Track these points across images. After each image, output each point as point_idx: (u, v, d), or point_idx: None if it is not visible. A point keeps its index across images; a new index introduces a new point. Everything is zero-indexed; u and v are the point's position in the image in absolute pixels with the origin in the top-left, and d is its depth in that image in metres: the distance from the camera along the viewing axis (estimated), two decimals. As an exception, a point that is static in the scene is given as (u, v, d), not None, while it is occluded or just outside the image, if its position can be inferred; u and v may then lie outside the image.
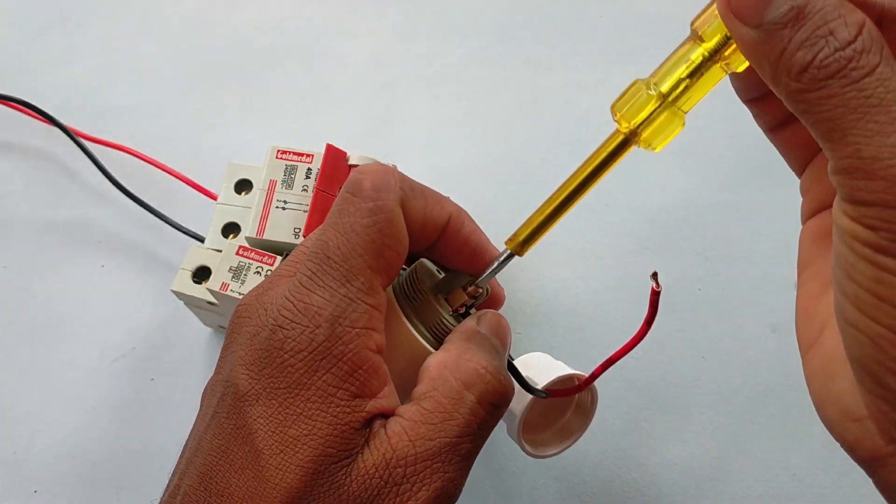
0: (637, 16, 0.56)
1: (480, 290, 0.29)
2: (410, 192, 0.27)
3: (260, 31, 0.57)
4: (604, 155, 0.26)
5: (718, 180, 0.50)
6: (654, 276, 0.28)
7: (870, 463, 0.23)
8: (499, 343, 0.28)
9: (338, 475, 0.24)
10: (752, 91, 0.27)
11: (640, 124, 0.25)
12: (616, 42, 0.56)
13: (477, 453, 0.27)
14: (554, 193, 0.28)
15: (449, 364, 0.27)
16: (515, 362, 0.31)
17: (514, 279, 0.48)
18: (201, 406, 0.27)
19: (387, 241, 0.26)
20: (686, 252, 0.48)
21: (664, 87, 0.25)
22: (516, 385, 0.34)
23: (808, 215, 0.28)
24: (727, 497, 0.42)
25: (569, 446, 0.37)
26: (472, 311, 0.30)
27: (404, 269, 0.30)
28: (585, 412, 0.38)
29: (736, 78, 0.27)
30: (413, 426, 0.25)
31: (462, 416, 0.26)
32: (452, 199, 0.47)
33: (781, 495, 0.42)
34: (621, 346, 0.31)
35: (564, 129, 0.52)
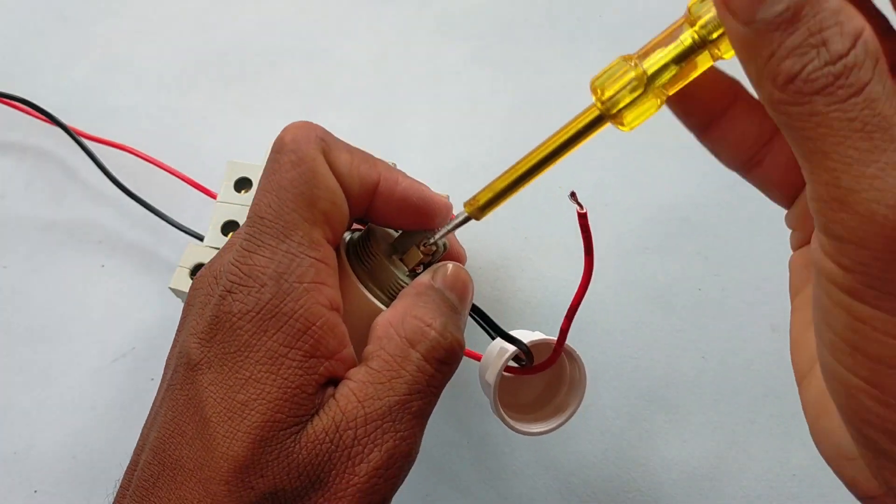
0: (637, 16, 0.56)
1: (434, 248, 0.29)
2: (334, 145, 0.27)
3: (260, 30, 0.57)
4: (576, 129, 0.26)
5: (718, 180, 0.50)
6: (573, 196, 0.28)
7: (868, 502, 0.22)
8: (455, 297, 0.28)
9: (286, 442, 0.23)
10: (707, 120, 0.26)
11: (613, 97, 0.24)
12: (616, 42, 0.56)
13: (430, 411, 0.26)
14: (520, 161, 0.27)
15: (394, 321, 0.26)
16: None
17: (514, 279, 0.48)
18: (161, 381, 0.27)
19: (316, 191, 0.25)
20: (686, 252, 0.48)
21: (647, 65, 0.24)
22: (490, 356, 0.33)
23: (797, 245, 0.28)
24: (727, 497, 0.42)
25: (561, 424, 0.36)
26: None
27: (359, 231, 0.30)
28: (575, 386, 0.37)
29: (684, 111, 0.26)
30: (361, 387, 0.24)
31: (409, 374, 0.25)
32: (452, 198, 0.47)
33: (781, 495, 0.42)
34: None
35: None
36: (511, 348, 0.32)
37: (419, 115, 0.54)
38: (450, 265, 0.28)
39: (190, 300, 0.27)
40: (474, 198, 0.28)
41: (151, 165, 0.48)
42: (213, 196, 0.45)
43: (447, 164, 0.52)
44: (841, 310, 0.19)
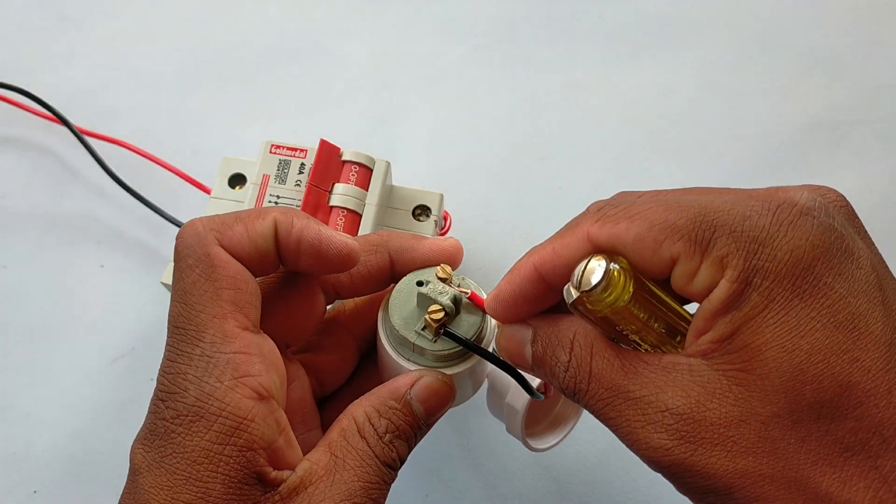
0: (637, 16, 0.56)
1: (442, 311, 0.29)
2: (225, 226, 0.26)
3: (260, 30, 0.57)
4: None
5: (718, 180, 0.50)
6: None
7: None
8: (423, 410, 0.28)
9: None
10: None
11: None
12: (616, 42, 0.56)
13: (382, 495, 0.27)
14: None
15: (358, 417, 0.27)
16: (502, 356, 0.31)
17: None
18: None
19: (219, 283, 0.25)
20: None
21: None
22: (513, 385, 0.33)
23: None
24: (727, 497, 0.42)
25: (567, 434, 0.37)
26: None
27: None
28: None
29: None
30: (321, 473, 0.25)
31: (360, 469, 0.26)
32: (452, 198, 0.47)
33: (781, 495, 0.42)
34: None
35: (564, 129, 0.52)
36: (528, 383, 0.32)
37: (419, 115, 0.54)
38: (433, 378, 0.28)
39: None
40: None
41: (150, 162, 0.48)
42: (207, 191, 0.45)
43: (447, 164, 0.52)
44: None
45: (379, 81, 0.55)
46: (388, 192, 0.41)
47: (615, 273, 0.24)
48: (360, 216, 0.38)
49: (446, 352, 0.29)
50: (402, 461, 0.27)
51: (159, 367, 0.26)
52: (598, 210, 0.26)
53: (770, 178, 0.50)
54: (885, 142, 0.52)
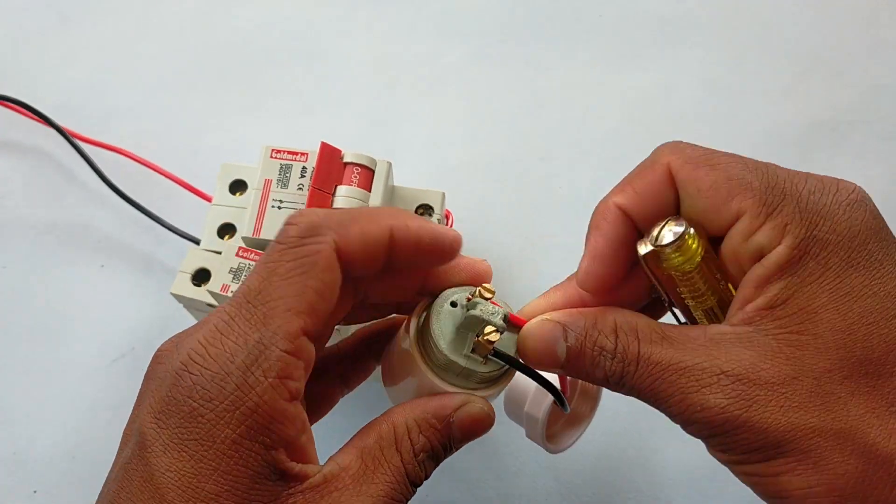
0: (637, 16, 0.56)
1: (494, 331, 0.28)
2: (339, 226, 0.26)
3: (260, 31, 0.57)
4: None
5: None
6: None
7: None
8: (459, 435, 0.28)
9: None
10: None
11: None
12: (616, 42, 0.56)
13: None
14: None
15: (398, 427, 0.27)
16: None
17: (514, 279, 0.48)
18: (116, 455, 0.26)
19: (310, 284, 0.25)
20: (686, 252, 0.48)
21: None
22: (533, 391, 0.33)
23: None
24: (727, 497, 0.42)
25: (582, 433, 0.38)
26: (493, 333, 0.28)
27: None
28: (592, 398, 0.38)
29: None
30: (349, 476, 0.25)
31: (388, 477, 0.26)
32: (452, 198, 0.47)
33: (781, 495, 0.42)
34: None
35: (564, 129, 0.52)
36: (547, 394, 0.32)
37: (419, 115, 0.54)
38: (479, 407, 0.28)
39: (150, 372, 0.26)
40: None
41: (148, 168, 0.48)
42: (208, 199, 0.45)
43: (447, 164, 0.52)
44: (739, 475, 0.27)
45: (379, 82, 0.55)
46: (391, 193, 0.41)
47: (691, 235, 0.26)
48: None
49: (494, 374, 0.28)
50: (426, 480, 0.27)
51: (194, 334, 0.25)
52: (677, 147, 0.28)
53: (770, 179, 0.50)
54: (885, 142, 0.52)
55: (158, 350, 0.27)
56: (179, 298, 0.40)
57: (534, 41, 0.56)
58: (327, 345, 0.31)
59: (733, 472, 0.26)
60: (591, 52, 0.55)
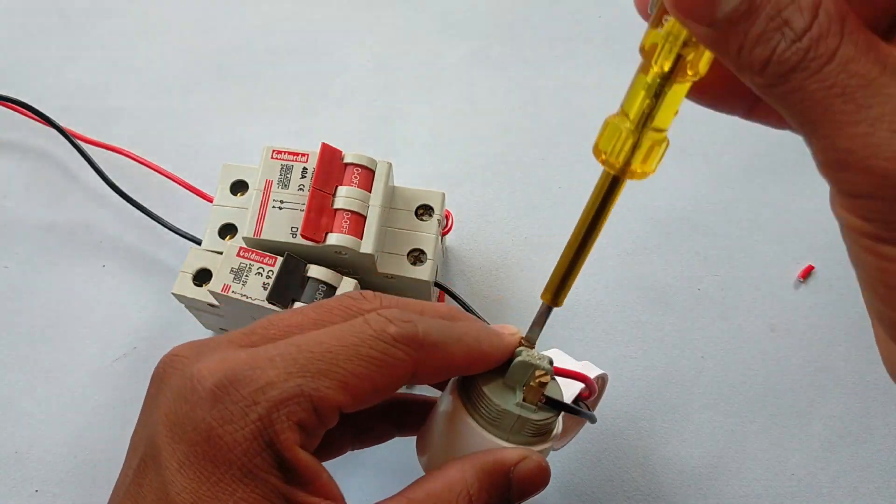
0: (637, 16, 0.56)
1: (544, 373, 0.28)
2: (433, 350, 0.25)
3: (260, 31, 0.57)
4: (600, 199, 0.26)
5: (718, 180, 0.50)
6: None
7: None
8: (516, 494, 0.26)
9: None
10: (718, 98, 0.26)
11: (627, 161, 0.25)
12: (616, 42, 0.56)
13: None
14: (568, 242, 0.27)
15: (456, 485, 0.25)
16: None
17: (514, 279, 0.48)
18: (125, 459, 0.25)
19: (376, 377, 0.24)
20: (686, 252, 0.48)
21: (633, 117, 0.24)
22: None
23: None
24: (726, 496, 0.42)
25: (578, 431, 0.38)
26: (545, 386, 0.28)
27: None
28: (595, 397, 0.38)
29: (727, 107, 0.26)
30: None
31: None
32: (452, 198, 0.47)
33: (780, 495, 0.42)
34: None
35: (564, 130, 0.53)
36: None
37: (419, 115, 0.54)
38: (539, 460, 0.27)
39: (163, 376, 0.25)
40: (545, 287, 0.28)
41: (149, 169, 0.48)
42: (208, 199, 0.45)
43: (447, 164, 0.52)
44: (868, 254, 0.20)
45: (379, 82, 0.55)
46: (391, 193, 0.41)
47: None
48: (365, 218, 0.38)
49: (546, 422, 0.28)
50: None
51: (218, 347, 0.24)
52: None
53: (770, 178, 0.50)
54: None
55: (172, 354, 0.26)
56: (181, 298, 0.40)
57: (534, 41, 0.56)
58: None
59: (861, 248, 0.21)
60: (591, 52, 0.55)
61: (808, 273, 0.47)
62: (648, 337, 0.46)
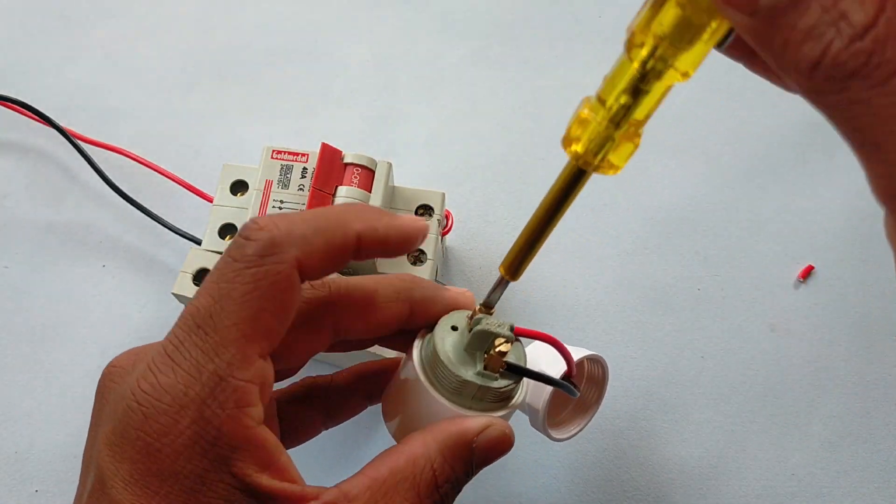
0: (637, 16, 0.56)
1: (504, 340, 0.27)
2: (304, 241, 0.23)
3: (260, 32, 0.57)
4: (564, 189, 0.25)
5: (718, 180, 0.50)
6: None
7: None
8: (480, 459, 0.26)
9: None
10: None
11: (595, 153, 0.24)
12: (615, 42, 0.55)
13: None
14: (528, 223, 0.27)
15: (406, 471, 0.24)
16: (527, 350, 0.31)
17: (513, 279, 0.48)
18: (79, 480, 0.24)
19: (265, 304, 0.23)
20: (686, 252, 0.48)
21: (610, 107, 0.23)
22: (531, 383, 0.33)
23: None
24: (726, 496, 0.42)
25: (589, 421, 0.38)
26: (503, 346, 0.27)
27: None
28: (598, 384, 0.38)
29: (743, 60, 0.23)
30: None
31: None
32: (452, 198, 0.47)
33: (780, 494, 0.42)
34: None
35: (564, 130, 0.52)
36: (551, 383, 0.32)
37: (419, 115, 0.54)
38: (502, 427, 0.26)
39: (103, 392, 0.24)
40: (504, 261, 0.28)
41: (149, 169, 0.49)
42: (209, 199, 0.45)
43: (446, 164, 0.52)
44: None
45: (379, 82, 0.55)
46: (391, 193, 0.41)
47: None
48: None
49: (507, 389, 0.27)
50: None
51: (147, 356, 0.23)
52: None
53: (770, 178, 0.50)
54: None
55: (113, 364, 0.25)
56: (181, 298, 0.41)
57: (534, 41, 0.56)
58: (316, 374, 0.30)
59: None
60: (591, 52, 0.55)
61: (808, 273, 0.47)
62: (648, 337, 0.46)
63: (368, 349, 0.31)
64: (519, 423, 0.38)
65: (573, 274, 0.48)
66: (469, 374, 0.27)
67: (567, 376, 0.29)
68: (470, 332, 0.27)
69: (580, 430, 0.38)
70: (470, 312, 0.28)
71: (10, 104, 0.51)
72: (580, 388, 0.38)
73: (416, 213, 0.41)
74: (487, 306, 0.28)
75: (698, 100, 0.53)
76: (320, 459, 0.43)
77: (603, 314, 0.46)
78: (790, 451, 0.43)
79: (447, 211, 0.44)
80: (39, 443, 0.44)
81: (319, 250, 0.24)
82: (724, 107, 0.54)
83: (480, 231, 0.50)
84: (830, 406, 0.44)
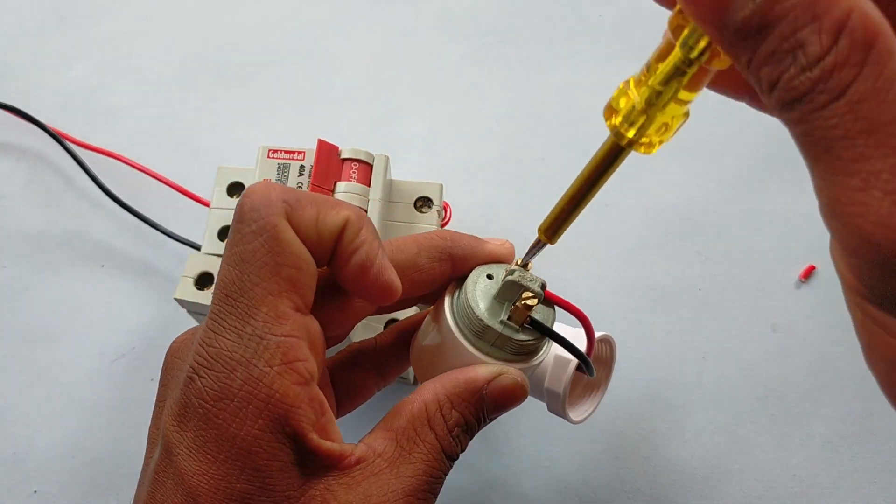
0: (637, 16, 0.56)
1: (532, 295, 0.28)
2: (297, 202, 0.25)
3: (259, 32, 0.57)
4: (603, 163, 0.26)
5: (718, 180, 0.50)
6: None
7: None
8: (491, 406, 0.27)
9: None
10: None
11: (637, 131, 0.25)
12: (616, 42, 0.56)
13: (437, 487, 0.26)
14: (567, 191, 0.28)
15: (430, 405, 0.26)
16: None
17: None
18: (145, 454, 0.26)
19: (280, 258, 0.24)
20: (686, 252, 0.48)
21: (650, 85, 0.24)
22: (551, 367, 0.34)
23: None
24: (727, 497, 0.42)
25: (599, 402, 0.38)
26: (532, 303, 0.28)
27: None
28: (607, 364, 0.38)
29: (730, 92, 0.26)
30: (383, 469, 0.25)
31: (421, 460, 0.25)
32: (452, 198, 0.47)
33: (781, 495, 0.42)
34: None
35: (564, 129, 0.52)
36: (570, 357, 0.32)
37: (418, 115, 0.54)
38: (514, 376, 0.27)
39: (167, 371, 0.26)
40: (544, 223, 0.29)
41: (144, 174, 0.48)
42: (205, 203, 0.45)
43: (446, 164, 0.52)
44: (855, 307, 0.19)
45: (379, 82, 0.55)
46: (390, 187, 0.41)
47: None
48: (366, 212, 0.38)
49: (529, 344, 0.28)
50: (462, 452, 0.27)
51: (197, 335, 0.24)
52: None
53: (770, 178, 0.50)
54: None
55: (174, 344, 0.27)
56: (183, 303, 0.40)
57: (534, 41, 0.56)
58: (360, 338, 0.32)
59: (849, 300, 0.19)
60: (591, 52, 0.55)
61: (809, 273, 0.47)
62: (649, 337, 0.46)
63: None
64: (519, 423, 0.38)
65: (574, 274, 0.48)
66: (492, 320, 0.28)
67: (585, 355, 0.30)
68: (504, 279, 0.28)
69: (594, 411, 0.38)
70: (509, 265, 0.29)
71: (3, 108, 0.51)
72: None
73: (415, 205, 0.41)
74: (524, 266, 0.29)
75: (699, 100, 0.53)
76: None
77: (604, 314, 0.46)
78: (792, 451, 0.43)
79: (445, 203, 0.44)
80: (38, 443, 0.44)
81: (309, 220, 0.25)
82: (724, 107, 0.53)
83: (480, 231, 0.49)
84: (832, 406, 0.44)
